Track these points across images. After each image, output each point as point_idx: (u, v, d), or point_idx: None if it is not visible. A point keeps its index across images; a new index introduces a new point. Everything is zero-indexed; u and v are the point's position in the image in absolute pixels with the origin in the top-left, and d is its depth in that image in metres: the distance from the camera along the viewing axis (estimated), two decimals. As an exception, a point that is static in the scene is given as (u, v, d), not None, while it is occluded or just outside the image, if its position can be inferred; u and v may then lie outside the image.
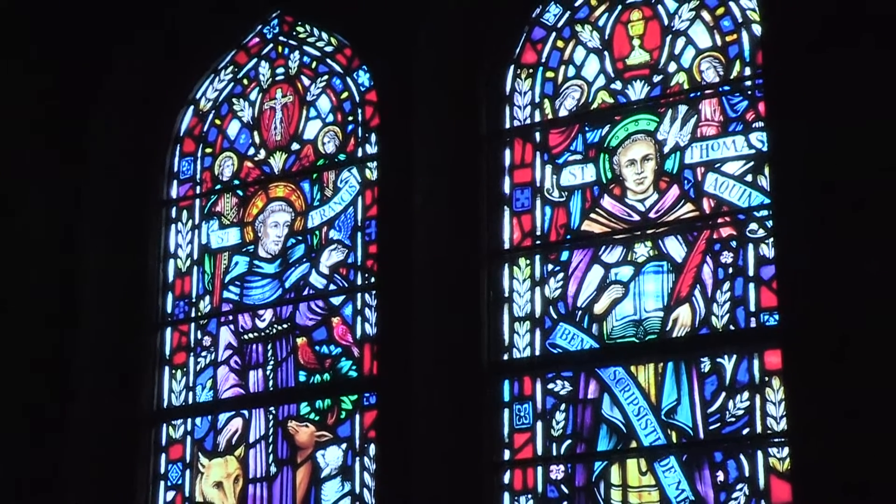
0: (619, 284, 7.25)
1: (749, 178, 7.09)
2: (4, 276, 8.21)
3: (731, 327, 6.97)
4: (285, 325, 7.99)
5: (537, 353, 7.35)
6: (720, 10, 7.38)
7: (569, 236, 7.43)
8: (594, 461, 7.09)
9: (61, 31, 8.37)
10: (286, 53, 8.42)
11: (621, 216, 7.34)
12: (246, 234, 8.25)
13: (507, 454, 7.27)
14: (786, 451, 6.67)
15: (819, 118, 6.66)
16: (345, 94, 8.17)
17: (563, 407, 7.22)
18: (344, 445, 7.65)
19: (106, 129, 8.45)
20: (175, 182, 8.53)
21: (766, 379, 6.82)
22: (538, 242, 7.48)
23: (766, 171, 7.00)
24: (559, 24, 7.73)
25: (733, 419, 6.86)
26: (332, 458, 7.67)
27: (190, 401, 8.13)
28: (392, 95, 7.87)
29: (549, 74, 7.69)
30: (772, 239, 6.92)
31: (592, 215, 7.41)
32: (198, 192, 8.46)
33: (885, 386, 6.28)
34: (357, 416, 7.66)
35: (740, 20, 7.31)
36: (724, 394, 6.90)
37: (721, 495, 6.80)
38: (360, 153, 8.02)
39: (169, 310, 8.32)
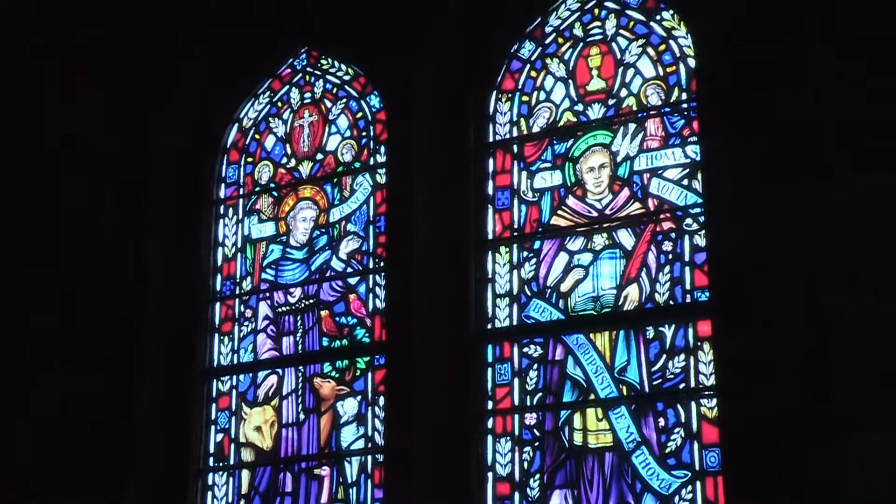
0: (581, 268, 7.28)
1: (685, 182, 7.14)
2: (87, 262, 8.21)
3: (671, 302, 7.02)
4: (311, 301, 7.99)
5: (514, 323, 7.37)
6: (662, 47, 7.43)
7: (540, 229, 7.46)
8: (560, 410, 7.12)
9: (134, 56, 8.37)
10: (312, 81, 8.42)
11: (583, 213, 7.38)
12: (280, 227, 8.25)
13: (489, 405, 7.30)
14: (714, 401, 6.73)
15: (740, 134, 6.72)
16: (359, 114, 8.19)
17: (535, 366, 7.25)
18: (359, 397, 7.66)
19: (167, 143, 8.45)
20: (223, 185, 8.52)
21: (699, 344, 6.87)
22: (515, 234, 7.51)
23: (699, 176, 7.05)
24: (532, 58, 7.77)
25: (672, 376, 6.90)
26: (349, 407, 7.68)
27: (235, 361, 8.12)
28: (398, 115, 7.89)
29: (525, 98, 7.72)
30: (703, 231, 6.96)
31: (559, 212, 7.44)
32: (241, 193, 8.45)
33: (790, 347, 6.37)
34: (369, 374, 7.67)
35: (678, 55, 7.36)
36: (665, 356, 6.94)
37: (662, 437, 6.85)
38: (371, 162, 8.04)
39: (218, 288, 8.30)
